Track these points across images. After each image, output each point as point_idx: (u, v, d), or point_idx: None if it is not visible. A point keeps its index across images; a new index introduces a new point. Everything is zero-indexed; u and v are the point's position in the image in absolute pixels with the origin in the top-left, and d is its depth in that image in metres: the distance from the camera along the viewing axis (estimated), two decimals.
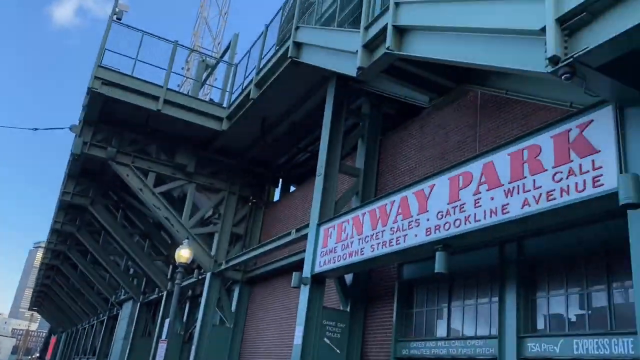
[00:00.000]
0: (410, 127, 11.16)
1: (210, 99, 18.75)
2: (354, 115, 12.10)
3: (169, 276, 20.63)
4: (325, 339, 9.90)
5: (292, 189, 18.64)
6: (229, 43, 19.37)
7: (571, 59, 4.38)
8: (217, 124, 15.47)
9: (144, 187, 15.92)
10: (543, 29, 4.61)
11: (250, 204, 17.55)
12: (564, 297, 7.21)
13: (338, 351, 10.01)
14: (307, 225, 11.09)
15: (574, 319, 7.02)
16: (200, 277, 16.86)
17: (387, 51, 7.38)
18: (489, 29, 5.43)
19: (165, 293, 20.17)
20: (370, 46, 8.10)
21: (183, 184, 16.79)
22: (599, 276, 6.84)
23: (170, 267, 20.66)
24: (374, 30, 7.92)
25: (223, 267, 15.88)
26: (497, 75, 7.65)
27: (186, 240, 13.81)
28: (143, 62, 14.92)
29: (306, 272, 10.21)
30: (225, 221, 16.91)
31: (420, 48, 6.95)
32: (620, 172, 5.04)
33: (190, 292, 19.55)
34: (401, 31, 7.34)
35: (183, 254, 13.25)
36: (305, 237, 11.08)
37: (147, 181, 15.96)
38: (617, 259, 6.57)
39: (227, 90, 16.64)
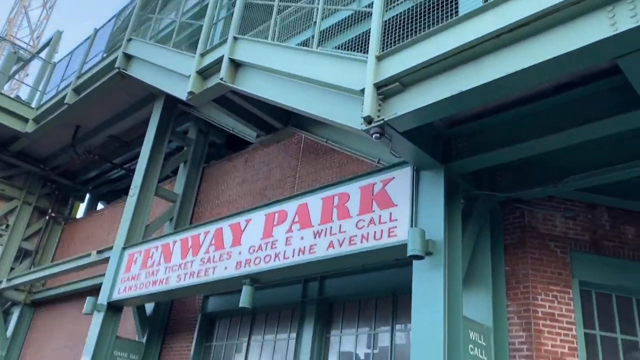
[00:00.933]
0: (235, 160, 11.24)
1: (17, 96, 16.70)
2: (179, 138, 11.79)
3: None
4: None
5: (100, 206, 17.27)
6: (50, 39, 17.56)
7: (382, 121, 4.85)
8: (21, 125, 13.80)
9: None
10: (362, 90, 5.05)
11: (48, 217, 15.76)
12: (354, 336, 7.76)
13: None
14: (110, 248, 10.31)
15: (362, 356, 7.57)
16: None
17: (220, 82, 7.41)
18: (315, 80, 5.79)
19: None
20: (204, 73, 8.04)
21: None
22: (385, 318, 7.53)
23: None
24: (210, 58, 7.90)
25: (3, 285, 13.86)
26: (320, 123, 8.13)
27: None
28: None
29: (102, 298, 9.43)
30: (14, 234, 14.91)
31: (252, 85, 7.10)
32: (411, 226, 5.69)
33: None
34: (237, 65, 7.43)
35: None
36: (106, 260, 10.26)
37: None
38: (402, 303, 7.33)
39: (40, 89, 15.00)
